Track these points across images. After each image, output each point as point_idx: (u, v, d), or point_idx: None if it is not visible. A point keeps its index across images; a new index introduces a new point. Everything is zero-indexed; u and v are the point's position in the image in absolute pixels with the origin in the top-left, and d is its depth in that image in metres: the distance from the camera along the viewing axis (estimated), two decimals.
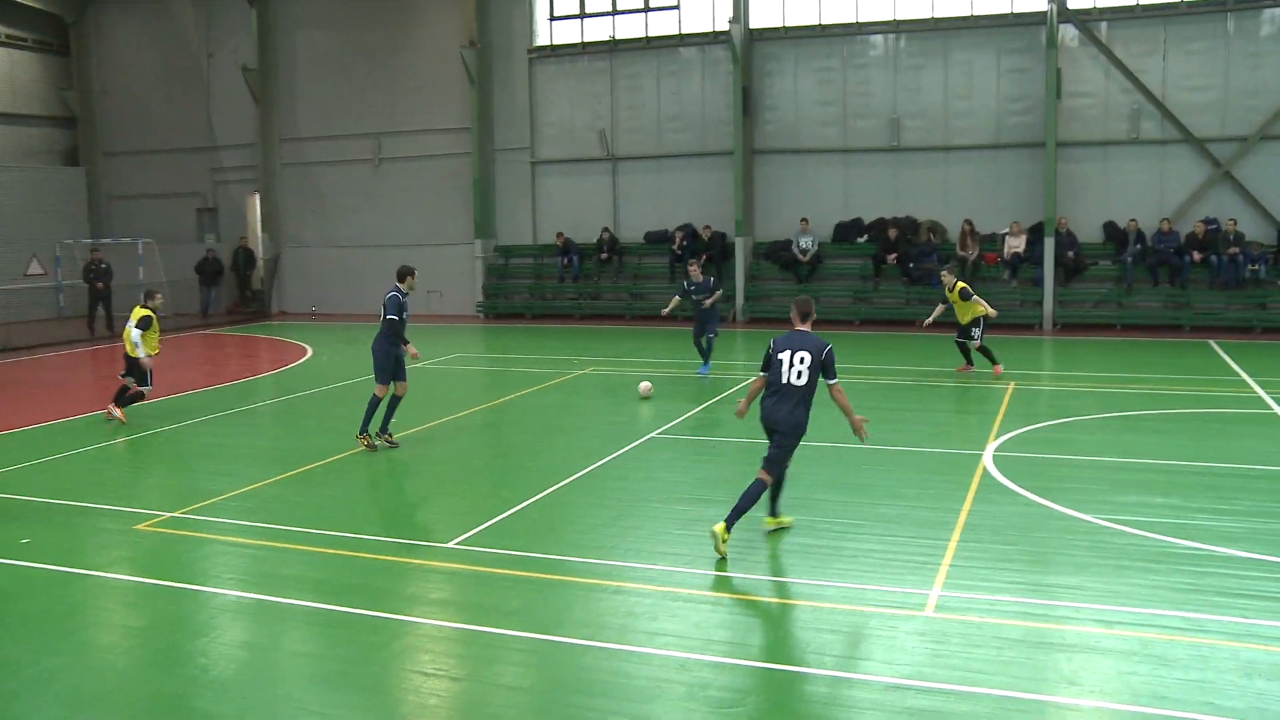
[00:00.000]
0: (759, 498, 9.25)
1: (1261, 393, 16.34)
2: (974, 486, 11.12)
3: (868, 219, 27.59)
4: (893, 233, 26.72)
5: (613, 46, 29.63)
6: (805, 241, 27.37)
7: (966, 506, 10.38)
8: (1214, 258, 24.25)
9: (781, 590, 8.31)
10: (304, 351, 23.70)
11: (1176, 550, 9.01)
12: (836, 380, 9.20)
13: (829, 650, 7.29)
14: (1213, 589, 8.09)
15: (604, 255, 29.40)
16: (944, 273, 18.52)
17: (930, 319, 18.80)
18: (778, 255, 27.84)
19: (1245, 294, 24.25)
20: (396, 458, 13.20)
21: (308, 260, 33.30)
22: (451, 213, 31.37)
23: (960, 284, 17.95)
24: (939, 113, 26.86)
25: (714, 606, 8.03)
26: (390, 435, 13.64)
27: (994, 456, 12.43)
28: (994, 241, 26.27)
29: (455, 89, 30.79)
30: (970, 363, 18.38)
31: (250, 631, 7.92)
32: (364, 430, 13.45)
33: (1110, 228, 25.65)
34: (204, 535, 10.07)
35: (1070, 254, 25.22)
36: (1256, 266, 24.02)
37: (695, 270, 18.52)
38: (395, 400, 13.62)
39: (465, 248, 31.13)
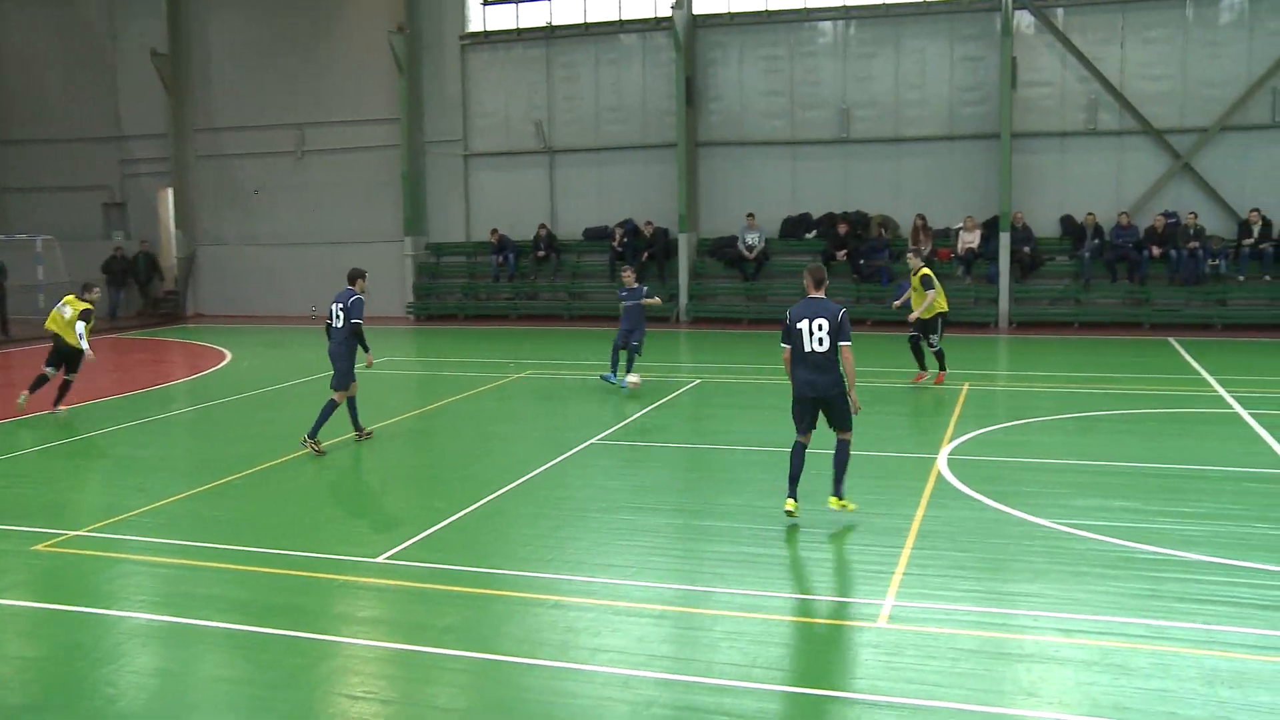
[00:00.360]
0: (848, 456, 10.24)
1: (1222, 391, 16.70)
2: (928, 491, 11.24)
3: (816, 214, 27.80)
4: (842, 228, 26.92)
5: (549, 33, 29.59)
6: (752, 238, 27.51)
7: (920, 512, 10.48)
8: (1173, 252, 24.69)
9: (729, 602, 8.32)
10: (223, 356, 23.36)
11: (1137, 555, 9.16)
12: (849, 343, 9.96)
13: (779, 664, 7.32)
14: (1174, 595, 8.24)
15: (541, 253, 29.32)
16: (910, 255, 18.47)
17: (899, 301, 18.67)
18: (723, 252, 27.96)
19: (1205, 290, 24.73)
20: (322, 468, 13.05)
21: (225, 259, 32.84)
22: (379, 208, 31.11)
23: (925, 270, 17.57)
24: (890, 103, 27.13)
25: (658, 620, 8.03)
26: (364, 428, 14.37)
27: (948, 460, 12.57)
28: (947, 237, 26.60)
29: (383, 77, 30.54)
30: (925, 368, 17.88)
31: (162, 657, 7.77)
32: (314, 435, 13.51)
33: (1067, 222, 26.08)
34: (111, 554, 9.86)
35: (1026, 249, 25.59)
36: (1217, 262, 24.48)
37: (629, 276, 18.51)
38: (352, 400, 14.10)
39: (394, 245, 30.87)
